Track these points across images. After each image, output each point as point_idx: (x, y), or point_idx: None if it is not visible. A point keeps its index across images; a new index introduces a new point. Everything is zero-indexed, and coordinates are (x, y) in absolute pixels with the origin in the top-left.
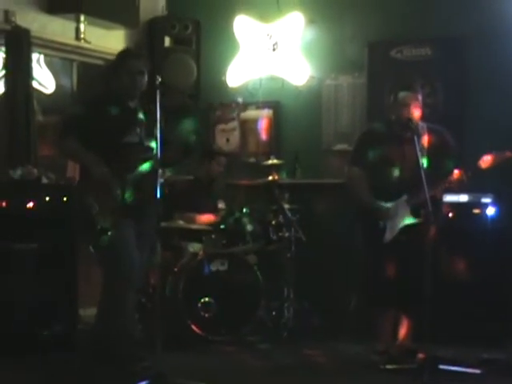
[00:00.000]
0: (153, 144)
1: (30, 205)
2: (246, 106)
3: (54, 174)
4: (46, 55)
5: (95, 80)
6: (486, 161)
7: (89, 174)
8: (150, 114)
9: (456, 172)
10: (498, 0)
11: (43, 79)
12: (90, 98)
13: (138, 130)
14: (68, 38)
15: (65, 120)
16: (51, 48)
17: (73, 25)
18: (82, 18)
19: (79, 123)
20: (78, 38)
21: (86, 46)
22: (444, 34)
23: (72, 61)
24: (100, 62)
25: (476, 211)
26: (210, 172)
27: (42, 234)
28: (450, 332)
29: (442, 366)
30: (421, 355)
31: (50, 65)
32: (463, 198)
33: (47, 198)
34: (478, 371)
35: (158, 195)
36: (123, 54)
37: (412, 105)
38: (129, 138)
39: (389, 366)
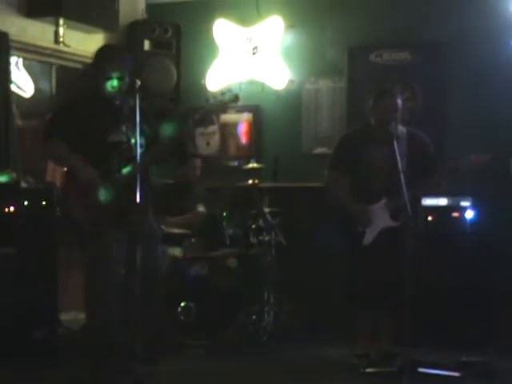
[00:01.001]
0: (142, 141)
1: (10, 209)
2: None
3: (33, 178)
4: (24, 59)
5: (74, 83)
6: (465, 164)
7: (74, 176)
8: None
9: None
10: (476, 6)
11: (22, 83)
12: (73, 98)
13: (124, 128)
14: (47, 42)
15: (49, 121)
16: (30, 51)
17: (52, 28)
18: (62, 21)
19: (63, 124)
20: (57, 41)
21: (65, 49)
22: (423, 38)
23: (51, 64)
24: (79, 66)
25: (455, 214)
26: (185, 175)
27: (21, 238)
28: (429, 335)
29: (421, 369)
30: (400, 358)
31: (28, 68)
32: (442, 201)
33: (26, 202)
34: (457, 374)
35: (138, 199)
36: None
37: (392, 110)
38: (114, 136)
39: (369, 370)
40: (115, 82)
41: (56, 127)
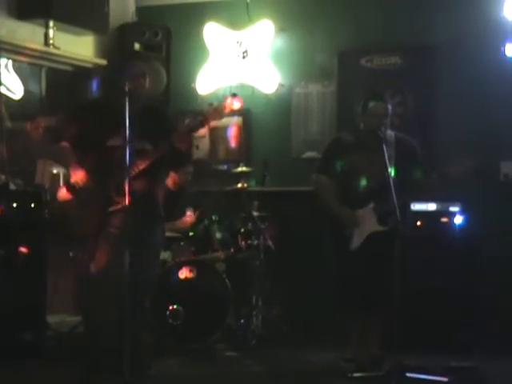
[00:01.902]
0: (146, 146)
1: None
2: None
3: (22, 180)
4: (14, 60)
5: (64, 86)
6: (453, 168)
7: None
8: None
9: None
10: (467, 11)
11: (11, 85)
12: (79, 102)
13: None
14: (37, 44)
15: (56, 124)
16: (20, 53)
17: (42, 30)
18: (51, 23)
19: (69, 128)
20: (46, 43)
21: (55, 51)
22: (413, 43)
23: (41, 66)
24: (69, 68)
25: (444, 220)
26: (177, 181)
27: (9, 240)
28: (418, 340)
29: (409, 374)
30: (389, 363)
31: (18, 70)
32: (431, 206)
33: (15, 204)
34: (445, 379)
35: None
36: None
37: (380, 114)
38: (113, 141)
39: (357, 374)
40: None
41: (63, 132)
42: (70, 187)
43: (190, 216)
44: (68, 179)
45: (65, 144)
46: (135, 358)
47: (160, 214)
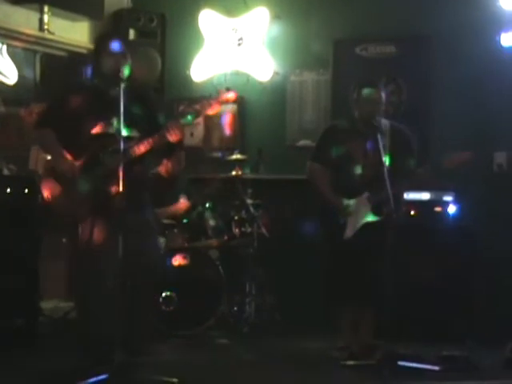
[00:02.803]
0: (134, 134)
1: None
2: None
3: (15, 165)
4: (8, 45)
5: (58, 71)
6: (449, 160)
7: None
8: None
9: None
10: (461, 1)
11: (5, 70)
12: (68, 88)
13: (115, 120)
14: (31, 29)
15: (43, 109)
16: (14, 38)
17: (36, 15)
18: (46, 8)
19: (56, 114)
20: (41, 28)
21: (50, 37)
22: (408, 32)
23: (35, 52)
24: (63, 54)
25: (437, 209)
26: (169, 168)
27: (2, 226)
28: (410, 329)
29: (401, 363)
30: (381, 351)
31: (12, 55)
32: (425, 195)
33: (8, 190)
34: (436, 368)
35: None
36: (103, 38)
37: (375, 102)
38: (101, 128)
39: (349, 362)
40: (127, 70)
41: (48, 116)
42: (58, 175)
43: (183, 203)
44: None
45: (49, 131)
46: (133, 343)
47: (148, 199)
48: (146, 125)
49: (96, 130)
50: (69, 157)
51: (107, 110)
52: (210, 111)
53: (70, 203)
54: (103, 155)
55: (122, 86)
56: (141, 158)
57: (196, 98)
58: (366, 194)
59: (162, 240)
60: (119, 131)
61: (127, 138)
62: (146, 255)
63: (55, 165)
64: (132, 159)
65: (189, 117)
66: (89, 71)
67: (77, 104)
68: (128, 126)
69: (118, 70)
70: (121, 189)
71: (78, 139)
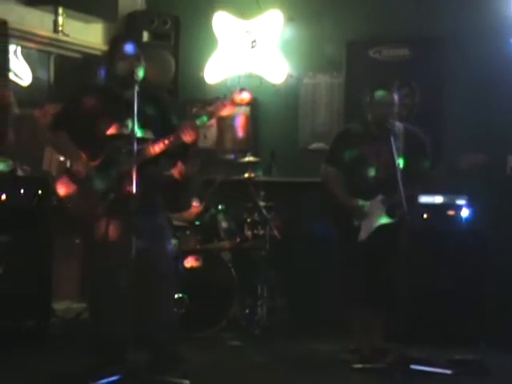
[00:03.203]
0: (148, 135)
1: (4, 197)
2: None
3: (29, 166)
4: (23, 47)
5: (72, 73)
6: (464, 162)
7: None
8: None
9: None
10: (476, 3)
11: (20, 71)
12: (82, 90)
13: (129, 121)
14: (46, 31)
15: (58, 111)
16: (28, 40)
17: (51, 17)
18: (61, 10)
19: (71, 115)
20: (55, 30)
21: (64, 38)
22: (422, 35)
23: (49, 53)
24: (78, 56)
25: (450, 213)
26: (182, 174)
27: (16, 226)
28: (422, 332)
29: (413, 367)
30: (393, 355)
31: (27, 57)
32: (438, 199)
33: (22, 191)
34: (449, 372)
35: (134, 190)
36: (117, 40)
37: (388, 104)
38: (116, 129)
39: (361, 365)
40: (141, 72)
41: (63, 118)
42: (72, 175)
43: (195, 207)
44: (69, 167)
45: (63, 133)
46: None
47: (161, 201)
48: (159, 126)
49: (110, 131)
50: (84, 157)
51: (121, 112)
52: (224, 112)
53: (84, 204)
54: (118, 156)
55: (136, 87)
56: (155, 160)
57: (209, 100)
58: (380, 197)
59: (174, 242)
60: (133, 132)
61: (141, 140)
62: (154, 258)
63: (71, 165)
64: (146, 160)
65: (204, 118)
66: (103, 73)
67: (91, 106)
68: (142, 127)
69: (133, 72)
70: (134, 190)
71: (93, 140)
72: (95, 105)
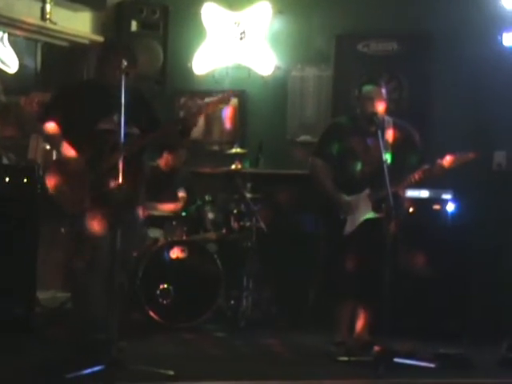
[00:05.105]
0: (134, 130)
1: None
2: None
3: (14, 154)
4: (10, 34)
5: (59, 61)
6: (448, 161)
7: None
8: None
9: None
10: (463, 0)
11: (6, 58)
12: (72, 83)
13: (116, 116)
14: (33, 18)
15: (47, 103)
16: (16, 27)
17: (39, 5)
18: None
19: (60, 107)
20: (43, 18)
21: (52, 26)
22: (410, 30)
23: (36, 41)
24: (65, 44)
25: (436, 207)
26: (169, 164)
27: (0, 215)
28: (407, 326)
29: (397, 360)
30: (377, 348)
31: (14, 44)
32: (424, 193)
33: (7, 179)
34: (432, 365)
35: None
36: (107, 49)
37: (376, 98)
38: (103, 124)
39: (345, 358)
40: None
41: (52, 110)
42: (60, 164)
43: (181, 198)
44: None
45: (51, 122)
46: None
47: (143, 198)
48: (145, 121)
49: (98, 125)
50: (72, 151)
51: (109, 106)
52: (210, 111)
53: (71, 195)
54: (104, 150)
55: (123, 83)
56: (140, 153)
57: (197, 91)
58: (366, 191)
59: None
60: (120, 127)
61: (127, 134)
62: (125, 253)
63: (58, 156)
64: (132, 154)
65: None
66: (90, 66)
67: (79, 100)
68: (128, 122)
69: (120, 80)
70: (120, 183)
71: (80, 134)
72: (82, 99)
